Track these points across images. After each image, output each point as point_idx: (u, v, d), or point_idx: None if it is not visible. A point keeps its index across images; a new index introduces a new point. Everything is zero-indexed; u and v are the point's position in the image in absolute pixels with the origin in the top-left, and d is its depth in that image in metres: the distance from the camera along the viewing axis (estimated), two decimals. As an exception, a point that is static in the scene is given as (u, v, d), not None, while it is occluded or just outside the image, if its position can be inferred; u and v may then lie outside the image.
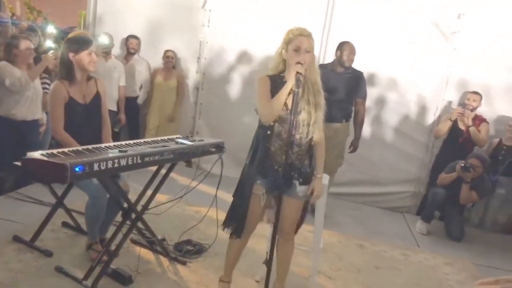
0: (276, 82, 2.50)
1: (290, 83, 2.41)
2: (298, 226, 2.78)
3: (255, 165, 2.54)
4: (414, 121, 5.48)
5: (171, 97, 5.82)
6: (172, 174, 3.32)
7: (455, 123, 5.08)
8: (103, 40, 4.76)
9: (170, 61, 5.76)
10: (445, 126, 5.12)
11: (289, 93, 2.43)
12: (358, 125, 4.73)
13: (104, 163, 2.34)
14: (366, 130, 5.40)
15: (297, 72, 2.37)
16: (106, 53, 4.85)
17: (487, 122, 5.07)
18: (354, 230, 4.61)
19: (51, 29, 5.82)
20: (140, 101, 5.94)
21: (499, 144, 5.10)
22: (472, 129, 4.95)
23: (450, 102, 5.33)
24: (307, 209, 2.76)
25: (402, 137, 5.54)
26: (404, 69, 5.32)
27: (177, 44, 5.85)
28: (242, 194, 2.60)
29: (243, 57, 5.74)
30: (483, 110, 5.20)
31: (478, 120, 5.06)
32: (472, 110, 4.99)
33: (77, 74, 3.01)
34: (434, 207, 4.87)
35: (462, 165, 4.56)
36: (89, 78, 3.12)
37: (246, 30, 5.60)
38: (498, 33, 5.06)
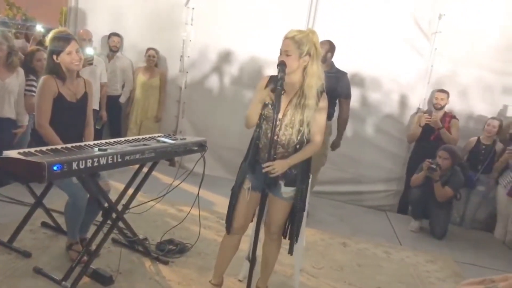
0: (274, 81, 2.43)
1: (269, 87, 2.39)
2: (293, 235, 2.69)
3: (246, 161, 2.57)
4: (396, 120, 5.54)
5: (154, 95, 5.78)
6: (154, 174, 3.29)
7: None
8: (89, 51, 4.70)
9: (152, 60, 5.71)
10: (416, 132, 5.26)
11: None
12: (342, 124, 4.74)
13: (83, 161, 2.30)
14: (349, 129, 5.42)
15: (278, 68, 2.35)
16: (90, 64, 4.79)
17: (457, 119, 5.17)
18: (337, 228, 4.63)
19: (39, 28, 5.74)
20: (122, 99, 5.88)
21: (477, 143, 5.18)
22: (442, 131, 5.04)
23: (431, 102, 5.38)
24: (301, 218, 2.65)
25: (385, 136, 5.58)
26: (387, 69, 5.37)
27: (160, 42, 5.80)
28: (234, 189, 2.62)
29: (227, 55, 5.72)
30: (461, 109, 5.29)
31: (448, 117, 5.16)
32: (440, 109, 5.11)
33: (66, 73, 2.97)
34: (415, 206, 4.92)
35: (429, 164, 4.62)
36: (77, 77, 3.09)
37: (230, 29, 5.58)
38: (478, 33, 5.13)
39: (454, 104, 5.30)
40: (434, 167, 4.59)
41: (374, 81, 5.44)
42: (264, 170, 2.38)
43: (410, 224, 4.96)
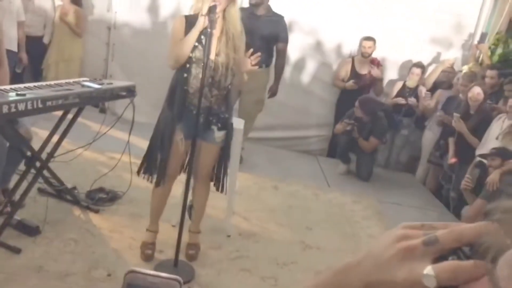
0: (191, 23, 2.40)
1: (201, 23, 2.33)
2: (221, 176, 2.76)
3: (174, 109, 2.47)
4: (328, 67, 5.62)
5: (70, 34, 5.38)
6: (83, 121, 3.17)
7: (353, 68, 5.32)
8: None
9: None
10: (340, 86, 5.46)
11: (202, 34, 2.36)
12: (278, 70, 4.68)
13: (-2, 107, 2.14)
14: (285, 76, 5.46)
15: (210, 12, 2.29)
16: None
17: (381, 65, 5.39)
18: (269, 172, 4.75)
19: None
20: (46, 40, 5.46)
21: (403, 87, 5.43)
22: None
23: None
24: (228, 157, 2.73)
25: (318, 82, 5.68)
26: (324, 18, 5.35)
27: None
28: (161, 140, 2.54)
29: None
30: (390, 55, 5.48)
31: (375, 63, 5.35)
32: (367, 57, 5.28)
33: None
34: (342, 151, 5.15)
35: (346, 126, 4.84)
36: None
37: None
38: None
39: (382, 50, 5.45)
40: (349, 129, 4.80)
41: (312, 29, 5.44)
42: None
43: (339, 167, 5.20)
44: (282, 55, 4.62)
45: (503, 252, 0.38)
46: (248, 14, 4.18)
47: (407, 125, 5.47)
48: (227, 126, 2.59)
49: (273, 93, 4.79)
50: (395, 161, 5.72)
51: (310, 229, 3.57)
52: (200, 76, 2.40)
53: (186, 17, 2.44)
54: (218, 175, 2.74)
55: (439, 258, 0.43)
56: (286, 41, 4.58)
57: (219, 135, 2.58)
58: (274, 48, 4.58)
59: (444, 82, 5.33)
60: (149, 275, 0.61)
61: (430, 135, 5.27)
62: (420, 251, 0.43)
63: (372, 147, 4.91)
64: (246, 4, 4.86)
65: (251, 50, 2.48)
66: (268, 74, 4.62)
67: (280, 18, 4.51)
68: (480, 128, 4.31)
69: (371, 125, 4.86)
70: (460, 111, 4.49)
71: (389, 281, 0.44)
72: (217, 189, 2.77)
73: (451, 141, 4.59)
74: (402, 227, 0.47)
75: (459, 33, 5.53)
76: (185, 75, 2.45)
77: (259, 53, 2.49)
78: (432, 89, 5.32)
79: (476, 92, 4.30)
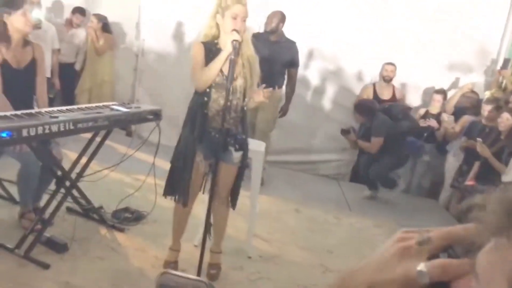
0: (210, 49, 2.53)
1: (226, 51, 2.44)
2: (236, 193, 2.85)
3: (194, 132, 2.57)
4: (351, 92, 5.69)
5: (102, 60, 5.64)
6: (110, 143, 3.29)
7: (375, 93, 5.37)
8: (36, 15, 4.49)
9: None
10: None
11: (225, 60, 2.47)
12: (290, 92, 4.93)
13: (34, 128, 2.29)
14: (306, 100, 5.58)
15: (234, 40, 2.41)
16: (38, 28, 4.60)
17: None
18: (290, 195, 4.79)
19: None
20: (77, 66, 5.74)
21: (425, 114, 5.43)
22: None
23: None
24: (242, 176, 2.83)
25: (339, 108, 5.74)
26: (345, 45, 5.44)
27: (114, 9, 5.63)
28: (183, 162, 2.63)
29: (184, 22, 5.64)
30: (410, 80, 5.52)
31: (397, 91, 5.42)
32: (389, 81, 5.34)
33: (13, 37, 2.85)
34: (363, 171, 5.16)
35: (347, 135, 4.95)
36: (26, 43, 2.96)
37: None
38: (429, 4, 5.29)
39: (402, 76, 5.49)
40: (346, 128, 4.93)
41: (333, 54, 5.54)
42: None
43: (364, 192, 5.19)
44: (294, 78, 4.87)
45: (480, 248, 0.43)
46: (263, 40, 4.40)
47: (429, 151, 5.44)
48: (244, 147, 2.69)
49: (284, 112, 5.00)
50: (417, 186, 5.68)
51: (330, 252, 3.57)
52: (219, 100, 2.53)
53: (203, 43, 2.57)
54: (233, 193, 2.82)
55: (433, 256, 0.48)
56: (297, 65, 4.85)
57: (236, 155, 2.67)
58: (286, 71, 4.80)
59: (468, 107, 5.31)
60: (179, 276, 0.68)
61: (453, 160, 5.23)
62: (415, 250, 0.49)
63: (376, 146, 4.88)
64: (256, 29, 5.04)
65: (264, 85, 2.64)
66: (280, 94, 4.84)
67: (292, 44, 4.74)
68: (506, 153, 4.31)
69: (368, 129, 4.93)
70: (483, 136, 4.48)
71: (389, 280, 0.49)
72: (232, 206, 2.86)
73: (476, 165, 4.57)
74: (402, 232, 0.53)
75: (481, 58, 5.54)
76: (205, 99, 2.56)
77: (270, 88, 2.68)
78: (455, 114, 5.31)
79: (506, 117, 4.34)
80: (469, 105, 5.31)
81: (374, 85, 5.48)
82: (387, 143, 4.83)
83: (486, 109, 4.71)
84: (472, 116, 5.15)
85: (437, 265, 0.46)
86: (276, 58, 4.54)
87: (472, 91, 5.39)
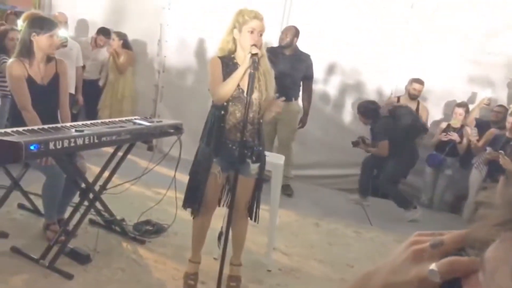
0: (227, 64, 2.59)
1: (244, 65, 2.49)
2: (254, 206, 2.86)
3: (211, 145, 2.61)
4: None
5: (123, 77, 5.79)
6: (132, 157, 3.35)
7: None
8: (62, 33, 4.68)
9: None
10: None
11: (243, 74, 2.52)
12: (307, 104, 5.03)
13: (60, 142, 2.36)
14: (327, 114, 5.60)
15: (253, 54, 2.46)
16: (64, 46, 4.79)
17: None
18: (310, 209, 4.77)
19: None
20: (101, 83, 5.90)
21: (447, 127, 5.37)
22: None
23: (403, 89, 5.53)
24: (261, 189, 2.85)
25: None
26: (364, 57, 5.46)
27: (137, 27, 5.79)
28: (199, 174, 2.67)
29: (205, 39, 5.75)
30: (432, 94, 5.50)
31: (422, 108, 5.37)
32: (415, 99, 5.31)
33: (37, 54, 2.96)
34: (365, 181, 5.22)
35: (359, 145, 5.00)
36: (49, 59, 3.07)
37: (207, 15, 5.59)
38: (450, 21, 5.27)
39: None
40: (355, 140, 4.97)
41: (352, 69, 5.56)
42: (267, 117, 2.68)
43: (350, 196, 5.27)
44: (309, 90, 5.01)
45: (487, 246, 0.44)
46: (278, 54, 4.49)
47: (451, 165, 5.37)
48: (261, 159, 2.71)
49: (303, 124, 5.10)
50: (439, 201, 5.58)
51: (351, 266, 3.54)
52: (236, 113, 2.59)
53: (220, 58, 2.63)
54: (251, 205, 2.83)
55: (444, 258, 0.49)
56: (312, 77, 4.98)
57: (254, 167, 2.69)
58: (301, 83, 4.92)
59: (493, 121, 5.24)
60: None
61: (477, 174, 5.14)
62: (428, 252, 0.50)
63: (383, 149, 4.86)
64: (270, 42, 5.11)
65: (277, 95, 2.68)
66: (297, 106, 4.95)
67: (307, 57, 4.87)
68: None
69: (373, 134, 4.95)
70: (507, 149, 4.41)
71: (403, 282, 0.50)
72: (250, 218, 2.86)
73: (502, 179, 4.47)
74: (416, 235, 0.55)
75: (507, 72, 5.47)
76: (222, 112, 2.60)
77: (283, 98, 2.70)
78: (477, 127, 5.25)
79: None
80: (494, 118, 5.24)
81: (398, 98, 5.44)
82: (393, 145, 4.83)
83: (510, 121, 4.65)
84: (497, 130, 5.08)
85: (446, 262, 0.47)
86: (292, 71, 4.71)
87: (501, 105, 5.32)
